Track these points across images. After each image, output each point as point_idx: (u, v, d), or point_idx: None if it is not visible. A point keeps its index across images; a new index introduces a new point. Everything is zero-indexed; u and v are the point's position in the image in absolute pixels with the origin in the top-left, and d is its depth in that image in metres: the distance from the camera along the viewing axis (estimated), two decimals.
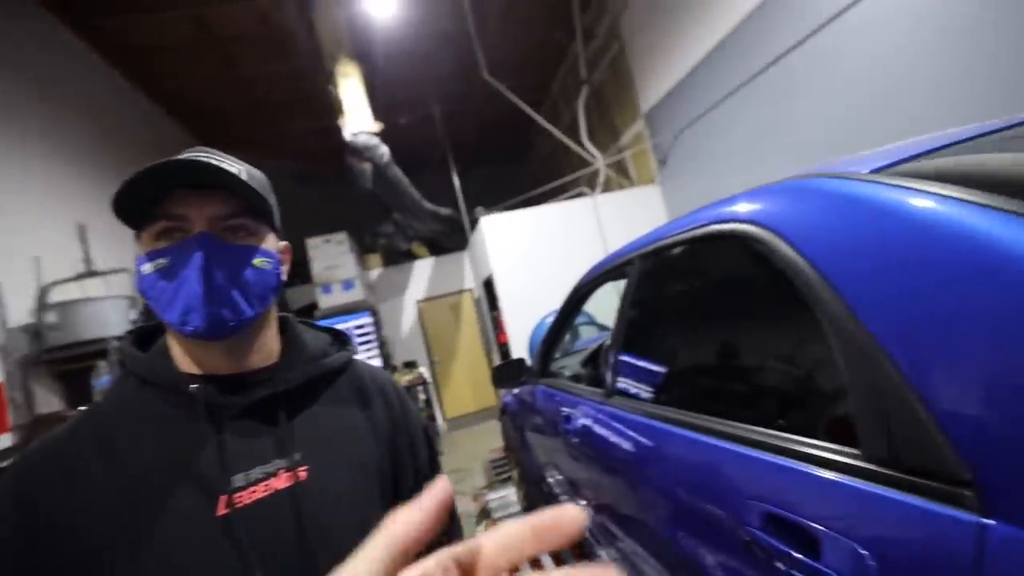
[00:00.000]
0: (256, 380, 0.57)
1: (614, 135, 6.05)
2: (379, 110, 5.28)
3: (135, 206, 0.53)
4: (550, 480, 2.27)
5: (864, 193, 0.65)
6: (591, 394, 1.56)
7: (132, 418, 0.53)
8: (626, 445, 1.20)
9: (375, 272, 7.23)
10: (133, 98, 5.49)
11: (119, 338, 2.70)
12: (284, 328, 0.64)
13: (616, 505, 1.35)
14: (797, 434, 0.69)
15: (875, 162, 0.74)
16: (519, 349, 4.89)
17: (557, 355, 2.32)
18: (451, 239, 7.34)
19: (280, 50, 5.51)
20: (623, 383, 1.34)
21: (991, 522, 0.43)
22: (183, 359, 0.56)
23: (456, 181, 7.03)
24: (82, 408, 2.66)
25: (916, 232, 0.54)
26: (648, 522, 1.10)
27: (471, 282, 7.39)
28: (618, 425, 1.27)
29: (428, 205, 6.22)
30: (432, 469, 0.71)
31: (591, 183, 5.95)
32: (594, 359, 2.26)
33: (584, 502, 1.75)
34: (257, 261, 0.56)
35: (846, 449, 0.61)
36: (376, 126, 4.96)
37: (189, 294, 0.51)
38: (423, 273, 7.43)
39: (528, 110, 5.84)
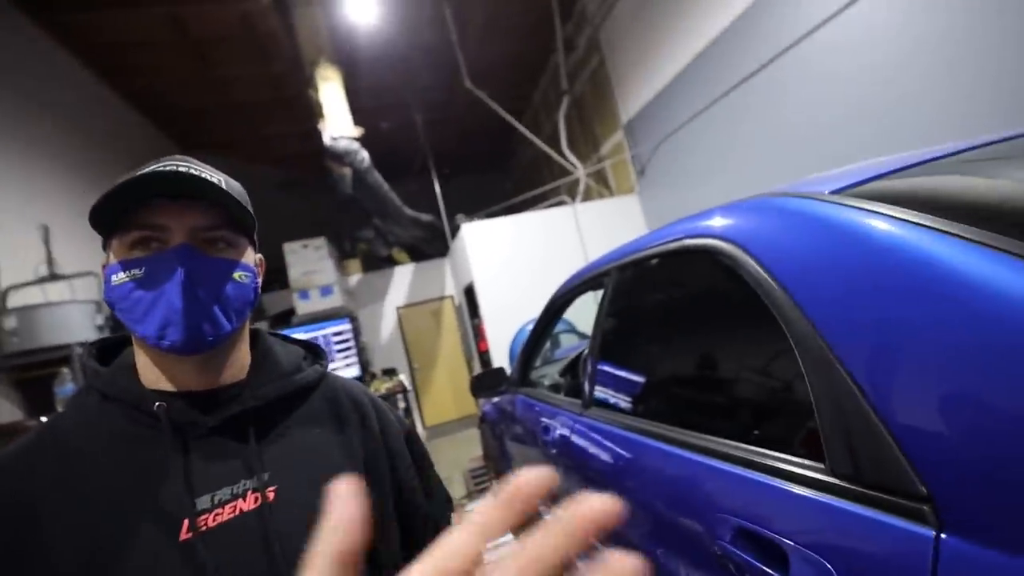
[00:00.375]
0: (226, 396, 0.55)
1: (595, 145, 6.13)
2: (360, 115, 5.25)
3: (108, 213, 0.51)
4: None
5: (823, 213, 0.67)
6: (569, 405, 1.56)
7: (92, 437, 0.51)
8: (603, 457, 1.20)
9: (355, 278, 7.14)
10: (103, 96, 5.34)
11: (82, 346, 2.61)
12: (255, 342, 0.63)
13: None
14: (768, 448, 0.71)
15: (836, 183, 0.77)
16: (500, 356, 4.88)
17: (537, 363, 2.32)
18: (432, 245, 7.31)
19: (260, 53, 5.43)
20: (600, 394, 1.35)
21: (945, 536, 0.45)
22: (149, 374, 0.54)
23: (437, 188, 7.02)
24: (40, 420, 2.54)
25: (869, 252, 0.57)
26: (625, 535, 1.11)
27: (452, 289, 7.36)
28: (595, 436, 1.28)
29: (409, 211, 6.20)
30: (423, 474, 0.69)
31: (572, 192, 6.01)
32: (573, 368, 2.27)
33: None
34: (237, 275, 0.55)
35: (814, 464, 0.62)
36: (356, 131, 4.93)
37: (169, 308, 0.50)
38: (404, 279, 7.37)
39: (510, 119, 5.88)
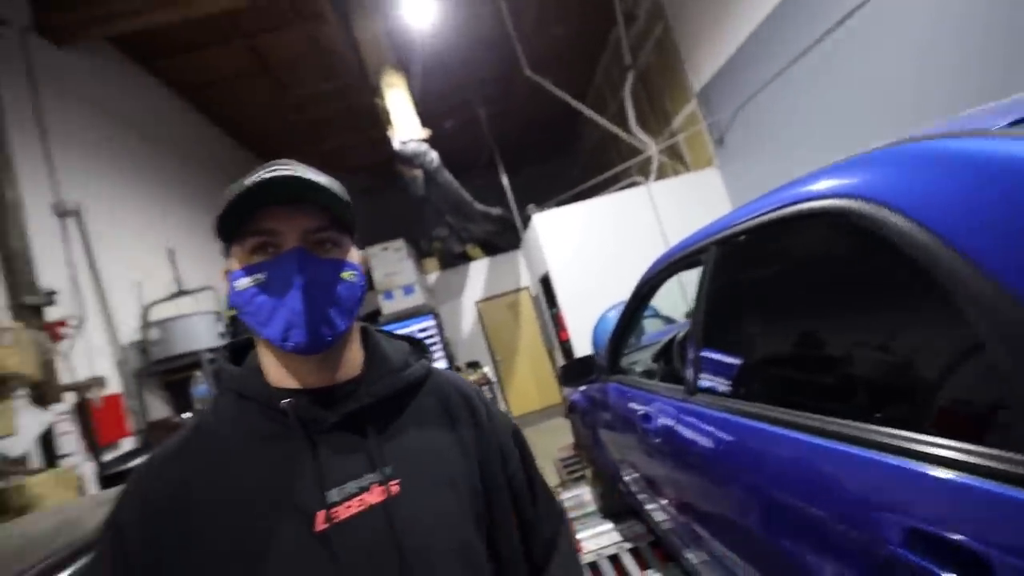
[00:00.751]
0: (343, 393, 0.57)
1: (665, 119, 5.82)
2: (426, 117, 5.37)
3: (229, 222, 0.54)
4: (627, 479, 2.20)
5: (1005, 152, 0.56)
6: (669, 391, 1.48)
7: (232, 433, 0.55)
8: (718, 446, 1.12)
9: (433, 276, 7.38)
10: (201, 126, 5.91)
11: (214, 351, 2.91)
12: (365, 339, 0.64)
13: (705, 507, 1.27)
14: (938, 436, 0.60)
15: (1000, 117, 0.64)
16: (582, 345, 4.82)
17: (625, 351, 2.24)
18: (504, 238, 7.36)
19: (327, 70, 5.73)
20: (707, 379, 1.26)
21: None
22: (274, 373, 0.57)
23: (505, 180, 7.04)
24: (183, 416, 2.86)
25: None
26: (748, 527, 1.03)
27: (527, 280, 7.38)
28: (704, 425, 1.20)
29: (479, 206, 6.27)
30: (528, 475, 0.68)
31: (644, 171, 5.76)
32: (666, 353, 2.17)
33: (665, 502, 1.68)
34: (346, 274, 0.57)
35: (1008, 455, 0.52)
36: (424, 133, 5.05)
37: (291, 310, 0.52)
38: (479, 274, 7.50)
39: (573, 102, 5.74)
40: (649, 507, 1.98)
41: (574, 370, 2.21)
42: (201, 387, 3.72)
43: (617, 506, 2.65)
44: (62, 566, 0.76)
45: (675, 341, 1.93)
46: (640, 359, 2.39)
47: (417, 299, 5.93)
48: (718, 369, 1.23)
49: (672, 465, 1.44)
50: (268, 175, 0.51)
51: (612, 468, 2.39)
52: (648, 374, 2.15)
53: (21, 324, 2.61)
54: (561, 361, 6.32)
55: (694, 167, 5.43)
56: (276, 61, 5.37)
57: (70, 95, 3.85)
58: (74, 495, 2.41)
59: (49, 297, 2.95)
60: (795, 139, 3.80)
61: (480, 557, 0.57)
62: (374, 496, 0.53)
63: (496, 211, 6.62)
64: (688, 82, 5.07)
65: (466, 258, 7.61)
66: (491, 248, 7.70)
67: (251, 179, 0.51)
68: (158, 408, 3.86)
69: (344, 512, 0.51)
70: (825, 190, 0.80)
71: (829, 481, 0.75)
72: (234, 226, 0.55)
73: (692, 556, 1.62)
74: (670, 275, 1.66)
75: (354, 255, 0.60)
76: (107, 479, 3.00)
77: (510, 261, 7.47)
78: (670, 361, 2.14)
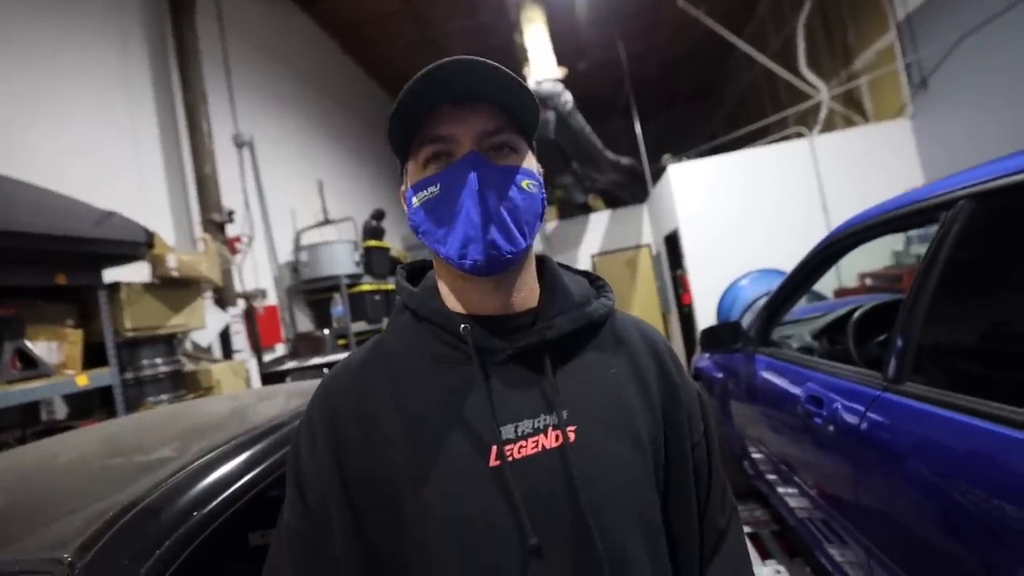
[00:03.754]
0: (519, 323, 0.53)
1: (846, 57, 4.89)
2: (561, 55, 5.09)
3: (400, 133, 0.50)
4: (756, 457, 2.01)
5: None
6: (855, 375, 1.24)
7: (410, 352, 0.53)
8: (922, 444, 0.90)
9: (551, 225, 7.28)
10: (347, 68, 6.25)
11: (351, 277, 3.20)
12: (541, 268, 0.58)
13: (885, 508, 1.07)
14: None
15: None
16: (704, 311, 4.46)
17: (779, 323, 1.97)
18: (629, 191, 6.96)
19: (469, 5, 5.64)
20: (928, 369, 1.01)
21: None
22: (449, 297, 0.53)
23: (638, 128, 6.55)
24: (326, 331, 3.21)
25: None
26: (946, 540, 0.82)
27: (649, 237, 6.97)
28: (912, 420, 0.97)
29: (610, 154, 5.94)
30: (709, 450, 0.58)
31: (806, 121, 4.96)
32: (833, 331, 1.86)
33: (812, 491, 1.48)
34: (525, 184, 0.50)
35: None
36: (560, 72, 4.80)
37: (468, 223, 0.47)
38: (599, 227, 7.24)
39: (730, 36, 5.03)
40: (783, 492, 1.78)
41: (718, 336, 2.01)
42: (338, 308, 4.12)
43: (737, 485, 2.46)
44: (255, 441, 0.85)
45: (852, 319, 1.63)
46: (794, 333, 2.09)
47: (534, 247, 5.90)
48: (948, 358, 0.98)
49: (840, 455, 1.23)
50: (436, 64, 0.45)
51: (738, 445, 2.19)
52: (805, 351, 1.87)
53: (209, 236, 3.03)
54: (676, 326, 5.96)
55: (876, 118, 4.54)
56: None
57: (249, 38, 4.25)
58: (243, 385, 2.82)
59: (230, 216, 3.39)
60: None
61: (658, 525, 0.51)
62: (549, 440, 0.48)
63: (626, 161, 6.24)
64: (887, 8, 4.14)
65: (587, 209, 7.38)
66: (614, 200, 7.36)
67: (432, 67, 0.45)
68: (303, 322, 4.37)
69: (518, 452, 0.48)
70: None
71: None
72: (407, 137, 0.50)
73: (837, 554, 1.42)
74: (869, 238, 1.36)
75: (532, 162, 0.53)
76: (266, 376, 3.50)
77: (633, 215, 7.08)
78: (838, 341, 1.83)
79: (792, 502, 1.72)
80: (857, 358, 1.46)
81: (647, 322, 0.62)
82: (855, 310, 1.70)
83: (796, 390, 1.50)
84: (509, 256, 0.48)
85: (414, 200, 0.50)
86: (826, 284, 3.67)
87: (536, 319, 0.53)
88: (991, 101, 3.29)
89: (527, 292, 0.54)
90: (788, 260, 1.93)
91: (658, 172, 5.13)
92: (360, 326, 4.21)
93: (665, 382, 0.56)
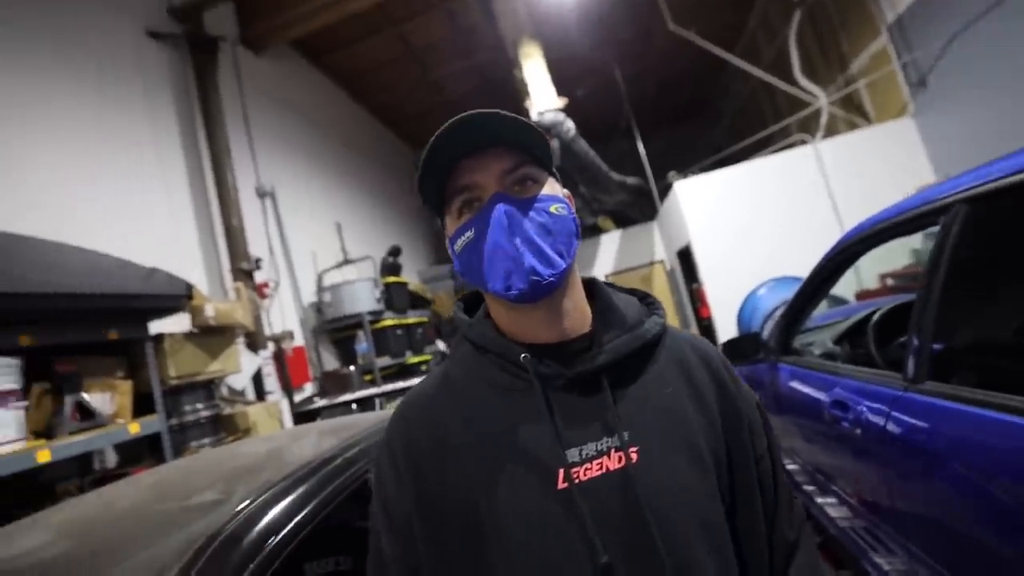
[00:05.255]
0: (576, 349, 0.54)
1: (841, 63, 4.98)
2: (559, 83, 5.27)
3: (433, 192, 0.55)
4: (791, 468, 2.00)
5: None
6: (877, 378, 1.27)
7: (474, 382, 0.56)
8: (947, 441, 0.93)
9: None
10: (359, 114, 6.53)
11: (373, 313, 3.28)
12: (592, 292, 0.60)
13: (925, 511, 1.08)
14: None
15: None
16: (724, 323, 4.46)
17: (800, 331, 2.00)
18: (637, 209, 7.04)
19: (466, 47, 5.89)
20: (944, 366, 1.05)
21: None
22: (507, 327, 0.56)
23: (641, 147, 6.68)
24: (352, 368, 3.29)
25: None
26: (983, 538, 0.84)
27: (662, 253, 7.02)
28: (933, 418, 1.01)
29: (615, 175, 6.06)
30: (773, 461, 0.59)
31: (808, 128, 5.02)
32: (854, 335, 1.88)
33: (852, 499, 1.48)
34: (552, 208, 0.53)
35: None
36: (560, 101, 4.97)
37: (504, 257, 0.50)
38: (611, 247, 7.32)
39: (722, 53, 5.17)
40: (822, 502, 1.77)
41: (739, 347, 2.03)
42: (362, 344, 4.22)
43: None
44: (305, 479, 0.90)
45: (871, 322, 1.65)
46: (816, 340, 2.11)
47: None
48: (963, 356, 1.01)
49: (871, 459, 1.25)
50: (446, 126, 0.50)
51: None
52: (828, 357, 1.89)
53: (242, 284, 3.18)
54: None
55: (879, 119, 4.59)
56: (419, 44, 5.68)
57: (264, 94, 4.52)
58: (278, 425, 2.91)
59: (257, 263, 3.54)
60: None
61: (725, 537, 0.52)
62: (613, 462, 0.50)
63: (632, 180, 6.35)
64: (876, 12, 4.24)
65: (597, 230, 7.47)
66: (623, 220, 7.44)
67: (448, 126, 0.50)
68: (329, 360, 4.47)
69: (584, 474, 0.49)
70: None
71: None
72: (439, 194, 0.55)
73: (884, 563, 1.41)
74: (879, 243, 1.40)
75: (556, 188, 0.57)
76: (297, 416, 3.59)
77: (644, 233, 7.15)
78: (859, 345, 1.85)
79: (832, 512, 1.70)
80: (879, 360, 1.48)
81: (701, 338, 0.63)
82: (875, 312, 1.72)
83: (821, 396, 1.52)
84: (551, 279, 0.50)
85: (456, 246, 0.54)
86: (847, 287, 3.66)
87: (591, 343, 0.54)
88: (990, 93, 3.33)
89: (579, 316, 0.56)
90: (804, 266, 1.97)
91: (665, 189, 5.22)
92: (384, 360, 4.30)
93: (721, 394, 0.56)
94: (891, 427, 1.14)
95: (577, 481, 0.49)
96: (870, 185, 4.01)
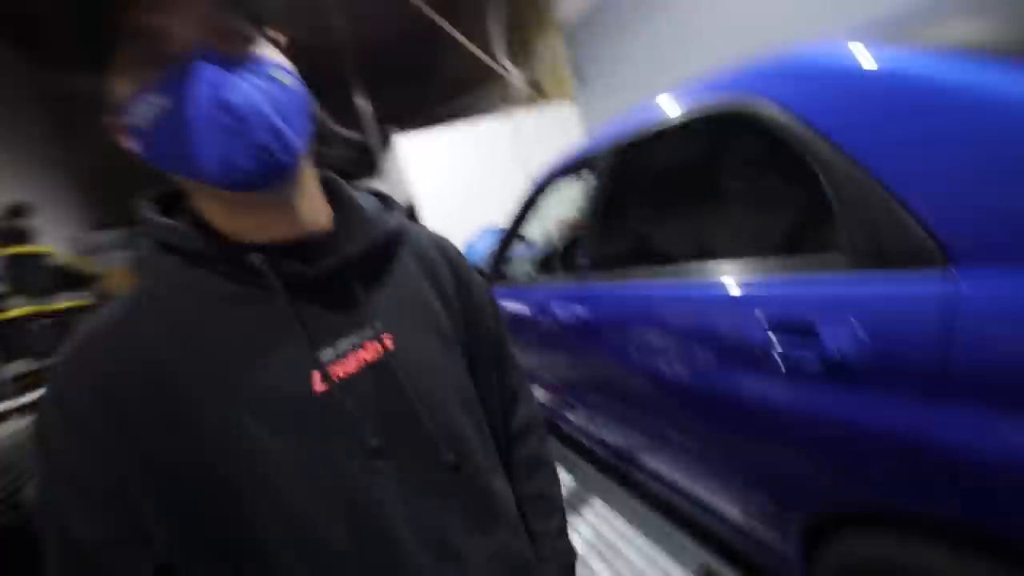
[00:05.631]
0: (316, 246, 0.49)
1: (524, 49, 5.91)
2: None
3: (83, 30, 0.40)
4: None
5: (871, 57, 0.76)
6: (563, 280, 1.70)
7: (189, 299, 0.45)
8: (614, 307, 1.36)
9: None
10: None
11: (60, 284, 2.29)
12: (330, 188, 0.55)
13: (589, 373, 1.55)
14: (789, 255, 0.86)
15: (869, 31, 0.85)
16: None
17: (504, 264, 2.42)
18: (360, 166, 6.89)
19: None
20: (602, 262, 1.49)
21: (956, 272, 0.61)
22: (228, 225, 0.46)
23: (363, 101, 6.50)
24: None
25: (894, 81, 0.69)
26: (659, 370, 1.24)
27: None
28: (602, 293, 1.43)
29: (342, 131, 5.77)
30: (499, 331, 0.67)
31: (508, 98, 5.85)
32: (548, 261, 2.40)
33: (550, 382, 1.94)
34: (278, 75, 0.42)
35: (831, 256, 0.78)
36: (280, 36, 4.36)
37: (220, 129, 0.39)
38: None
39: (437, 18, 5.46)
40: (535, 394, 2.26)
41: None
42: None
43: None
44: None
45: (555, 251, 2.17)
46: (521, 271, 2.59)
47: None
48: (614, 255, 1.47)
49: (561, 344, 1.67)
50: None
51: None
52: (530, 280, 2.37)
53: None
54: None
55: (554, 99, 5.71)
56: None
57: None
58: None
59: None
60: (655, 78, 4.24)
61: (477, 404, 0.57)
62: (369, 353, 0.49)
63: (354, 135, 6.16)
64: (552, 11, 5.21)
65: None
66: (346, 176, 7.13)
67: None
68: None
69: (340, 370, 0.47)
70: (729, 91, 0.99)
71: (718, 306, 1.00)
72: (93, 35, 0.40)
73: (571, 416, 1.94)
74: (562, 178, 1.83)
75: (278, 56, 0.45)
76: None
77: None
78: (552, 268, 2.38)
79: (540, 397, 2.18)
80: (564, 270, 1.98)
81: (439, 234, 0.66)
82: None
83: (526, 305, 1.92)
84: (284, 159, 0.41)
85: (132, 119, 0.41)
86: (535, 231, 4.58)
87: (332, 240, 0.50)
88: (630, 87, 4.55)
89: (319, 212, 0.50)
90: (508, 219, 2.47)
91: (388, 143, 5.30)
92: (21, 366, 3.13)
93: (455, 278, 0.60)
94: (574, 312, 1.55)
95: (336, 380, 0.46)
96: (551, 152, 5.02)
